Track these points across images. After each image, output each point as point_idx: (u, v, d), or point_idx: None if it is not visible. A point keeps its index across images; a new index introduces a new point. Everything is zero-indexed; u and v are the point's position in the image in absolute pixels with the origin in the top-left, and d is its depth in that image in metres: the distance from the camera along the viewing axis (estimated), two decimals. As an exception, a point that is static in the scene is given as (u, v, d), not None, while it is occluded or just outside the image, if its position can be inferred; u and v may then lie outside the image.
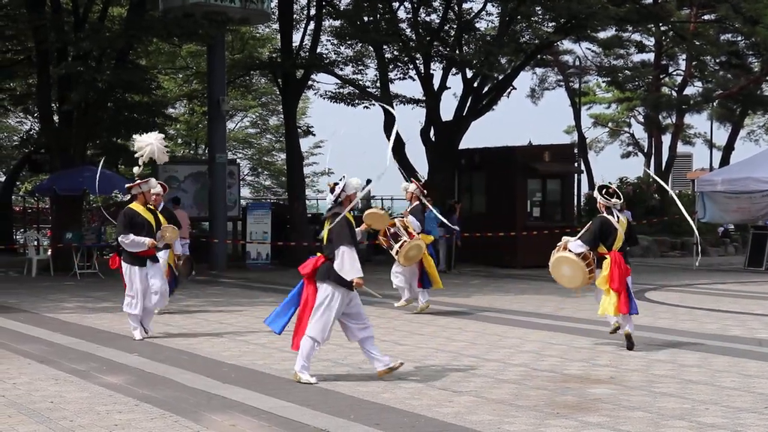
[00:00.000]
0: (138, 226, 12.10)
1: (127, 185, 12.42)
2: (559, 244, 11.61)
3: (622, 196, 11.29)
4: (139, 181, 12.30)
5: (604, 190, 11.34)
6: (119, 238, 12.05)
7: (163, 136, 12.99)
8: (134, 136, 12.84)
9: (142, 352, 11.13)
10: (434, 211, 15.47)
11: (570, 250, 11.28)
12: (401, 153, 27.77)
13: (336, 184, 9.43)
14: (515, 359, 10.65)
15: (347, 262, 9.05)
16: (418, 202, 15.20)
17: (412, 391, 8.88)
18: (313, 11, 28.04)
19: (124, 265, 12.32)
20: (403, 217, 15.08)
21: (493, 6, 27.24)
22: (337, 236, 9.11)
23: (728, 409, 8.07)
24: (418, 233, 14.76)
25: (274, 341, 11.99)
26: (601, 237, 11.16)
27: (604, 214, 11.42)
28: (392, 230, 14.54)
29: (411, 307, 15.39)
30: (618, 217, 11.29)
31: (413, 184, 15.38)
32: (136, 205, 12.25)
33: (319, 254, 9.33)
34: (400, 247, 14.52)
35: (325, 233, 9.30)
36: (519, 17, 25.92)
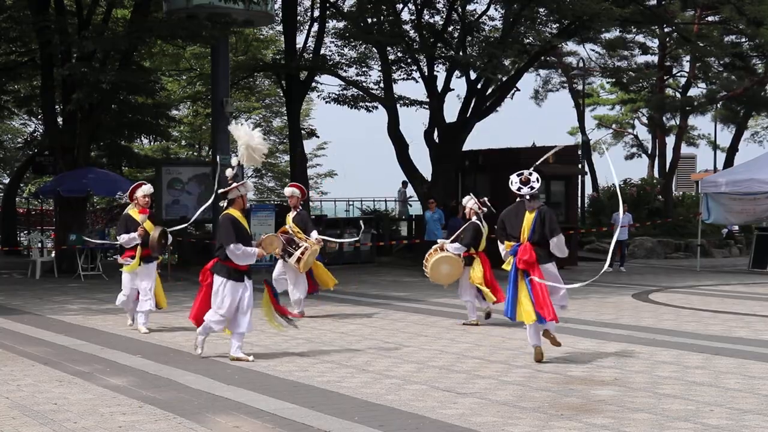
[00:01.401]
0: (242, 235, 10.53)
1: (221, 190, 10.62)
2: (434, 247, 13.63)
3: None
4: (235, 184, 10.52)
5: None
6: (230, 248, 10.39)
7: (260, 133, 10.81)
8: (229, 128, 10.91)
9: (145, 354, 11.14)
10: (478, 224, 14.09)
11: (448, 251, 13.38)
12: (405, 155, 27.76)
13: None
14: (519, 361, 10.64)
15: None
16: (474, 219, 13.66)
17: (416, 392, 8.87)
18: (316, 13, 28.08)
19: (218, 278, 10.73)
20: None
21: (497, 9, 27.26)
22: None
23: (733, 410, 8.06)
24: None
25: (278, 342, 12.00)
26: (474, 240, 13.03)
27: (474, 220, 13.40)
28: (285, 236, 14.25)
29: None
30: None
31: (472, 199, 13.83)
32: (234, 211, 10.54)
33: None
34: (302, 254, 14.19)
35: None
36: (523, 19, 25.91)
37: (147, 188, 13.38)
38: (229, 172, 10.44)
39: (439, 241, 14.07)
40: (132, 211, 13.24)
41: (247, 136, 10.54)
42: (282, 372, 9.95)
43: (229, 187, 10.52)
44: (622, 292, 18.91)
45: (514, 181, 10.91)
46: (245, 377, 9.68)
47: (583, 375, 9.75)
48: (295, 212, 14.87)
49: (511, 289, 10.51)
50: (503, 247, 10.68)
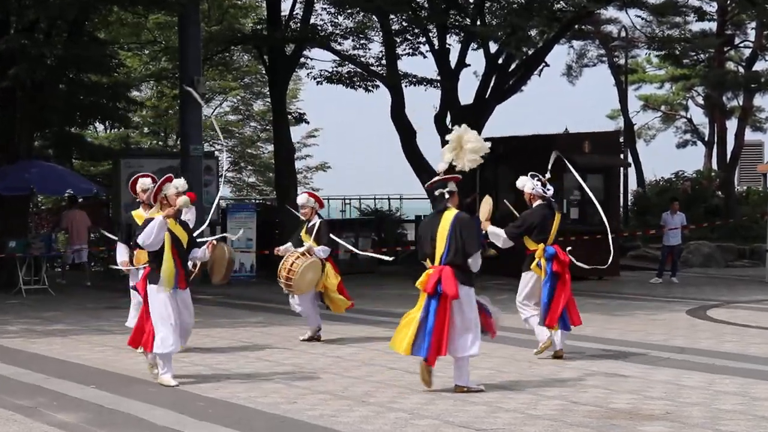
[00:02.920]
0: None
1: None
2: (298, 251, 14.11)
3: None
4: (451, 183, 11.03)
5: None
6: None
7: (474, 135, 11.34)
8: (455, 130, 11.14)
9: (101, 384, 11.10)
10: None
11: (314, 254, 14.06)
12: (412, 144, 27.76)
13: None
14: (550, 390, 10.61)
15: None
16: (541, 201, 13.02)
17: (426, 429, 8.84)
18: (305, -27, 28.06)
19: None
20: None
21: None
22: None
23: (809, 450, 8.02)
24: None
25: (260, 369, 11.98)
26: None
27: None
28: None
29: None
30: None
31: (530, 180, 13.14)
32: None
33: None
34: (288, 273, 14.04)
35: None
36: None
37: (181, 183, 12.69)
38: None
39: (305, 244, 14.39)
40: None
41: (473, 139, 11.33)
42: (265, 404, 9.92)
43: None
44: (674, 307, 18.87)
45: (530, 183, 11.86)
46: (221, 411, 9.65)
47: (628, 407, 9.71)
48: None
49: (554, 296, 11.47)
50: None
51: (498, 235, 12.60)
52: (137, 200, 13.63)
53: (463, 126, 11.38)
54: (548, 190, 12.57)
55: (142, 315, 11.26)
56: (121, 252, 13.57)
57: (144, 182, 13.34)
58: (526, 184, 12.96)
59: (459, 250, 10.46)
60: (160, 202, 11.22)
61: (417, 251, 11.23)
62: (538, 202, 12.84)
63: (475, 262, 10.56)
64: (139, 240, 10.88)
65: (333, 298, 14.63)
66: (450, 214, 10.68)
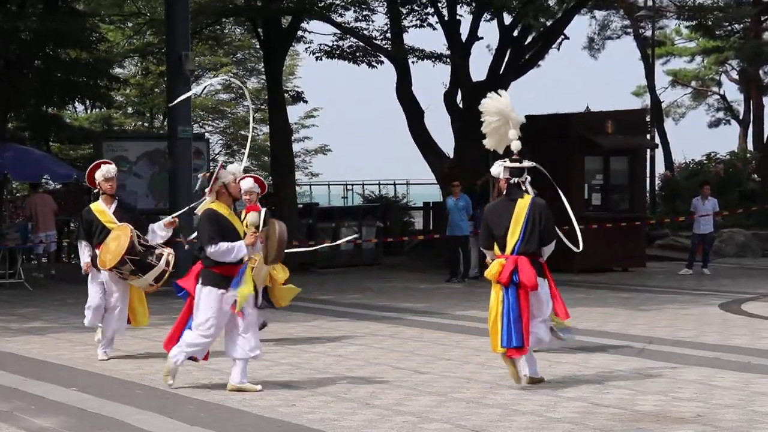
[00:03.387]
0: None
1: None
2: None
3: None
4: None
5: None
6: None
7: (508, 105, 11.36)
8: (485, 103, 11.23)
9: (82, 386, 11.14)
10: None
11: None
12: (419, 124, 27.76)
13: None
14: (571, 391, 10.63)
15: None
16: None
17: (436, 434, 8.86)
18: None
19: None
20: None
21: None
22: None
23: None
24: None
25: (256, 369, 11.99)
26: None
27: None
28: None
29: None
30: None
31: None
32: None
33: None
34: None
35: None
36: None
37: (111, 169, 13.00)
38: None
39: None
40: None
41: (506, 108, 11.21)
42: (262, 407, 9.95)
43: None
44: (705, 301, 18.88)
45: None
46: (213, 415, 9.68)
47: (656, 410, 9.73)
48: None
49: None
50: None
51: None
52: (96, 191, 13.29)
53: (504, 94, 11.52)
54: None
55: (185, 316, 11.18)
56: (84, 252, 13.01)
57: (108, 170, 12.95)
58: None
59: (535, 239, 10.87)
60: (217, 193, 11.08)
61: (480, 237, 11.56)
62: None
63: (548, 251, 11.01)
64: (211, 251, 10.64)
65: (278, 292, 13.78)
66: (525, 202, 11.01)
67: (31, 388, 11.10)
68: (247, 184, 13.05)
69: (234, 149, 49.42)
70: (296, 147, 42.65)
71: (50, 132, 32.32)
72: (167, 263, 12.60)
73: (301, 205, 29.15)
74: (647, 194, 30.18)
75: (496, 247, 11.09)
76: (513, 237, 10.88)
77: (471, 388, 10.88)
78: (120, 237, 12.42)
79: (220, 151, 48.60)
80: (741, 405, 9.92)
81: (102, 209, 12.88)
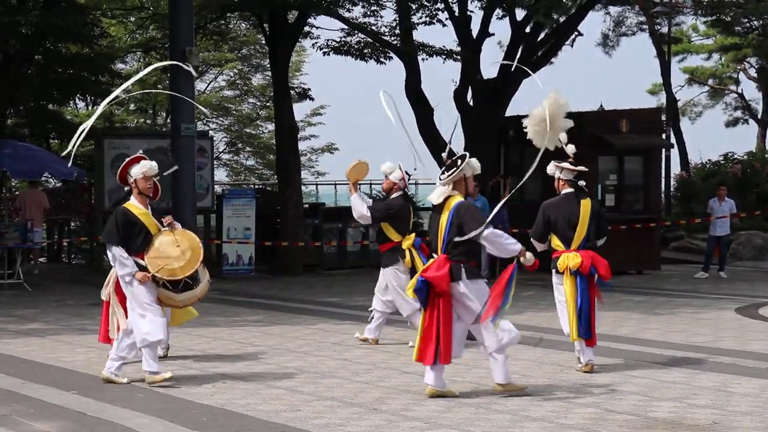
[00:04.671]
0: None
1: None
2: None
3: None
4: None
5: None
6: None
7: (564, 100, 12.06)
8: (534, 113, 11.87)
9: (82, 389, 11.16)
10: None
11: None
12: (428, 122, 27.73)
13: (453, 159, 10.90)
14: (582, 397, 10.63)
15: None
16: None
17: (444, 440, 8.88)
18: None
19: None
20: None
21: None
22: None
23: None
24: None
25: (259, 374, 12.01)
26: None
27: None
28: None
29: None
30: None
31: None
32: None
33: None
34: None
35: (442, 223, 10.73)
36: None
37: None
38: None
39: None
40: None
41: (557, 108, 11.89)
42: (265, 412, 9.96)
43: None
44: (722, 305, 18.86)
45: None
46: (217, 419, 9.69)
47: (670, 417, 9.73)
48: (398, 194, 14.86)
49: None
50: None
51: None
52: (127, 189, 11.85)
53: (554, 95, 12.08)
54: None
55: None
56: (126, 260, 11.48)
57: (151, 167, 11.76)
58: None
59: (593, 236, 12.30)
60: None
61: (535, 230, 12.57)
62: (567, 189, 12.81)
63: (599, 244, 12.48)
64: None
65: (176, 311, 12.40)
66: (588, 202, 12.35)
67: (31, 392, 11.12)
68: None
69: (238, 147, 49.47)
70: (302, 145, 42.62)
71: (50, 129, 32.30)
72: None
73: (306, 205, 29.09)
74: (662, 195, 30.10)
75: (555, 240, 12.36)
76: (581, 233, 12.19)
77: (480, 393, 10.88)
78: (193, 244, 11.66)
79: (225, 149, 48.64)
80: (758, 412, 9.91)
81: (144, 211, 11.63)
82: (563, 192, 12.49)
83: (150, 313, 11.33)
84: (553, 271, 12.46)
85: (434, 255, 10.93)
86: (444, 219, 10.77)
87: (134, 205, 11.60)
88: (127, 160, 11.90)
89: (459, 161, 10.86)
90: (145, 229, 11.51)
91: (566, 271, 12.15)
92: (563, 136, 12.17)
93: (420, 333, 10.67)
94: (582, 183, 12.51)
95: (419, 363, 10.77)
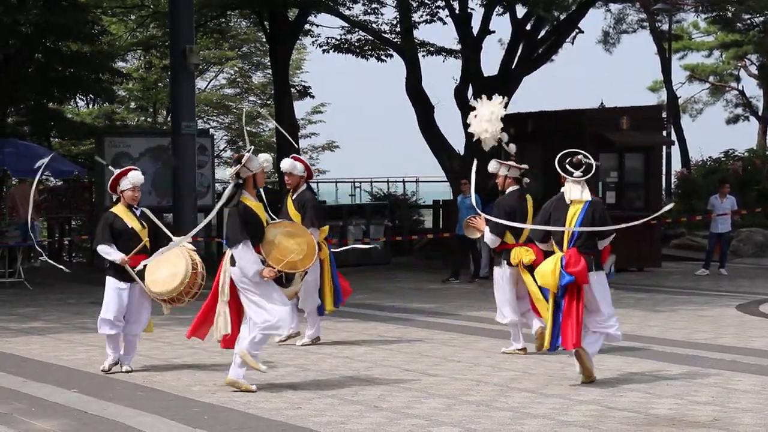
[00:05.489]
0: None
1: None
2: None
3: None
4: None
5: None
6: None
7: (495, 111, 12.68)
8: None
9: (83, 388, 11.16)
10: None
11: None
12: (429, 120, 27.74)
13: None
14: (583, 394, 10.63)
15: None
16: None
17: (445, 437, 8.88)
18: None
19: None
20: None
21: None
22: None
23: None
24: None
25: (261, 372, 12.00)
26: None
27: None
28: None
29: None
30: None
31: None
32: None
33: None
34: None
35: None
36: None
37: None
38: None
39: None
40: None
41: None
42: (266, 410, 9.97)
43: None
44: (722, 302, 18.86)
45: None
46: (218, 417, 9.70)
47: (671, 413, 9.74)
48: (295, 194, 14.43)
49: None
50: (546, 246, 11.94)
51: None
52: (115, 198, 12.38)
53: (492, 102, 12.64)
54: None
55: None
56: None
57: (137, 177, 12.25)
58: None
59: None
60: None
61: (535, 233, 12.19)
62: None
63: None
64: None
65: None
66: (530, 199, 13.05)
67: (32, 390, 11.13)
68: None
69: (239, 145, 49.46)
70: (303, 143, 42.68)
71: (51, 127, 32.32)
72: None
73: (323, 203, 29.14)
74: (663, 192, 30.10)
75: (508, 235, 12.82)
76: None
77: (481, 390, 10.88)
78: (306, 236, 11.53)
79: (225, 147, 48.64)
80: (759, 409, 9.91)
81: (127, 213, 12.27)
82: (511, 189, 13.05)
83: (280, 303, 10.90)
84: (505, 263, 12.94)
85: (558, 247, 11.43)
86: (574, 213, 11.43)
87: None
88: (117, 172, 12.38)
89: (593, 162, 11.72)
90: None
91: (519, 264, 12.78)
92: (504, 135, 12.60)
93: (551, 322, 11.30)
94: (526, 181, 13.12)
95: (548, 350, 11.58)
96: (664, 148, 30.07)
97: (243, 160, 10.84)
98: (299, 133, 32.00)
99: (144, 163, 26.92)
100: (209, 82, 47.92)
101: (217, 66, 46.30)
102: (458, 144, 27.97)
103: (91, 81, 30.19)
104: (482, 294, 20.08)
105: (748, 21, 36.83)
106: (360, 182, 38.81)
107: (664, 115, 32.05)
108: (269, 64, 31.98)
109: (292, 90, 30.40)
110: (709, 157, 34.83)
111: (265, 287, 10.80)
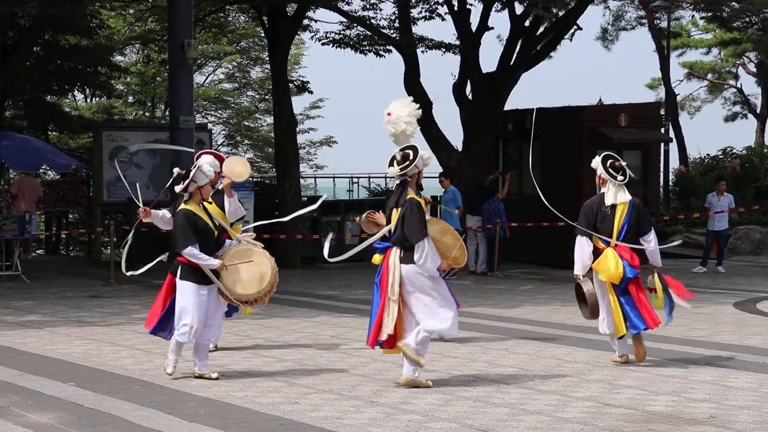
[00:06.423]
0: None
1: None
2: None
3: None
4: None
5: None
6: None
7: (412, 113, 12.55)
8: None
9: (80, 381, 11.16)
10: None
11: None
12: (427, 116, 27.71)
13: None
14: (580, 391, 10.64)
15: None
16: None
17: (442, 433, 8.87)
18: None
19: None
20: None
21: None
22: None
23: None
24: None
25: (258, 365, 12.01)
26: None
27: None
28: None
29: None
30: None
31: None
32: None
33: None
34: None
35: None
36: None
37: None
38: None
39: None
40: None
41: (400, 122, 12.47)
42: (263, 404, 9.97)
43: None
44: (720, 299, 18.86)
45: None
46: (214, 411, 9.69)
47: (668, 411, 9.74)
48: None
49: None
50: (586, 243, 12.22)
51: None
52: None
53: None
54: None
55: None
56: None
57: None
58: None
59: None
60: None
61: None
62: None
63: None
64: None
65: None
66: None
67: (28, 383, 11.12)
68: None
69: (237, 140, 49.45)
70: (301, 138, 42.60)
71: (49, 121, 32.31)
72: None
73: (305, 198, 29.09)
74: (661, 190, 30.10)
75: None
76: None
77: (478, 386, 10.89)
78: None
79: (223, 141, 48.63)
80: (755, 406, 9.92)
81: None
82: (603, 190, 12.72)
83: (450, 308, 10.91)
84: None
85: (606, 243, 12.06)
86: (622, 212, 12.22)
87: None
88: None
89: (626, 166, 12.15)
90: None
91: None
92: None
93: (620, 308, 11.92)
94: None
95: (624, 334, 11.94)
96: (662, 145, 30.02)
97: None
98: (297, 129, 31.94)
99: (142, 157, 26.96)
100: (207, 77, 47.90)
101: (215, 61, 46.26)
102: (456, 140, 27.98)
103: (89, 75, 30.20)
104: (479, 290, 20.10)
105: (747, 19, 36.73)
106: (358, 178, 38.76)
107: (662, 112, 32.04)
108: (267, 59, 31.94)
109: (291, 85, 30.36)
110: (707, 155, 34.81)
111: (439, 284, 10.88)
